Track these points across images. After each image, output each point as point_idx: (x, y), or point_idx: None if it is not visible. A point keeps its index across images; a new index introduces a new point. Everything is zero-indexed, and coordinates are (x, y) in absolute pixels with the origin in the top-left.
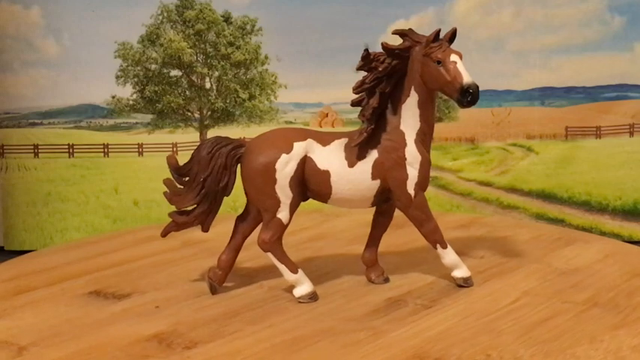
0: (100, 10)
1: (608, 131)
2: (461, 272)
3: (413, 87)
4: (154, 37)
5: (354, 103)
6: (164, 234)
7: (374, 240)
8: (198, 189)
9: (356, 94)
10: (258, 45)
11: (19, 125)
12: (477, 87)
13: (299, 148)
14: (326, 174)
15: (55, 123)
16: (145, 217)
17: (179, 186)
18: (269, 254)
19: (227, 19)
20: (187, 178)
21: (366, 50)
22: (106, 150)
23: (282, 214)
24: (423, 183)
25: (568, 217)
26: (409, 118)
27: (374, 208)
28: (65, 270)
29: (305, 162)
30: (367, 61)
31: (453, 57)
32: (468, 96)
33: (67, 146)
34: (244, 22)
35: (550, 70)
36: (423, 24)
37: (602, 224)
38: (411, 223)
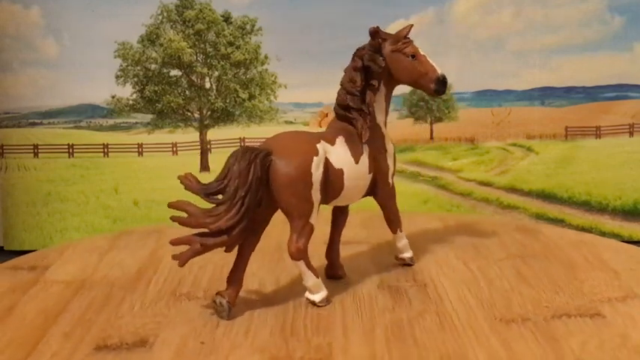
0: (99, 10)
1: (608, 131)
2: (409, 252)
3: (382, 82)
4: (154, 36)
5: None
6: (184, 262)
7: (336, 237)
8: (238, 206)
9: (358, 92)
10: (258, 45)
11: (18, 125)
12: None
13: (321, 150)
14: (340, 172)
15: (54, 123)
16: (145, 217)
17: (209, 205)
18: (300, 262)
19: (227, 18)
20: (221, 196)
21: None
22: (105, 150)
23: (313, 219)
24: (394, 172)
25: (568, 217)
26: (380, 112)
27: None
28: (21, 332)
29: (327, 163)
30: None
31: (421, 51)
32: (444, 85)
33: (66, 146)
34: (244, 22)
35: (550, 70)
36: (422, 24)
37: (602, 224)
38: (382, 211)
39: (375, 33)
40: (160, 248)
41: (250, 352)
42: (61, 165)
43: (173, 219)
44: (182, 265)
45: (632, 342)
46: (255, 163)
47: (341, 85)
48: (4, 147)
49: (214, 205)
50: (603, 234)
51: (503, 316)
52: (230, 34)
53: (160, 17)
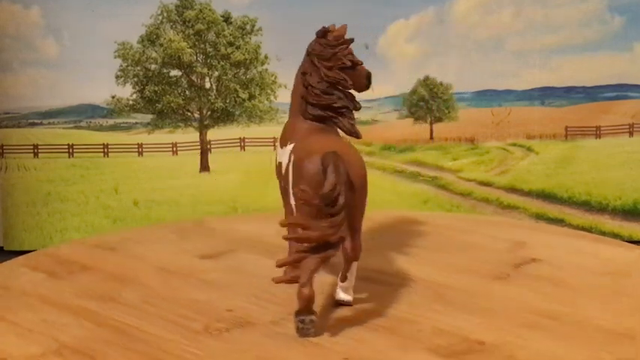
0: (99, 10)
1: (607, 131)
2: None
3: None
4: (154, 37)
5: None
6: (308, 281)
7: None
8: (343, 215)
9: (342, 90)
10: (258, 45)
11: (18, 125)
12: None
13: None
14: None
15: (54, 123)
16: (144, 217)
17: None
18: (356, 263)
19: (227, 19)
20: (334, 206)
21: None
22: (105, 150)
23: None
24: None
25: (568, 217)
26: None
27: None
28: None
29: None
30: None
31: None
32: (370, 81)
33: (66, 146)
34: (244, 22)
35: (550, 70)
36: (422, 24)
37: (602, 224)
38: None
39: (327, 33)
40: (54, 300)
41: (418, 355)
42: (61, 165)
43: (288, 238)
44: (306, 284)
45: (611, 266)
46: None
47: (309, 85)
48: (4, 147)
49: (328, 215)
50: (603, 234)
51: (490, 276)
52: (230, 34)
53: (160, 17)
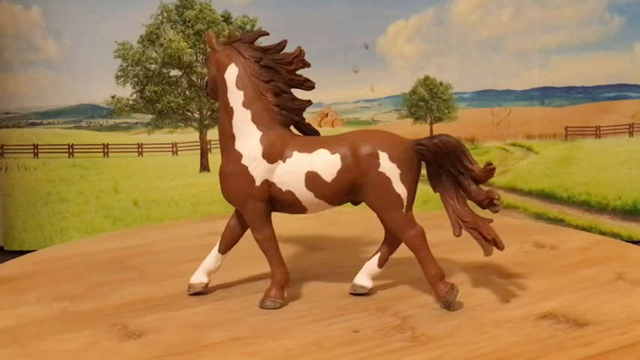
0: (99, 10)
1: (607, 131)
2: None
3: None
4: (154, 37)
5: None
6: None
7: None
8: None
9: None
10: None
11: (19, 125)
12: None
13: None
14: None
15: (54, 123)
16: (144, 217)
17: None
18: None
19: (227, 19)
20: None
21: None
22: (105, 150)
23: None
24: None
25: (568, 217)
26: None
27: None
28: None
29: None
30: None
31: None
32: None
33: (66, 146)
34: (244, 22)
35: (550, 70)
36: (422, 24)
37: (602, 224)
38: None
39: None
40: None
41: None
42: (61, 165)
43: (495, 210)
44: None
45: None
46: None
47: (283, 92)
48: (4, 147)
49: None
50: (603, 233)
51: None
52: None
53: (160, 17)
